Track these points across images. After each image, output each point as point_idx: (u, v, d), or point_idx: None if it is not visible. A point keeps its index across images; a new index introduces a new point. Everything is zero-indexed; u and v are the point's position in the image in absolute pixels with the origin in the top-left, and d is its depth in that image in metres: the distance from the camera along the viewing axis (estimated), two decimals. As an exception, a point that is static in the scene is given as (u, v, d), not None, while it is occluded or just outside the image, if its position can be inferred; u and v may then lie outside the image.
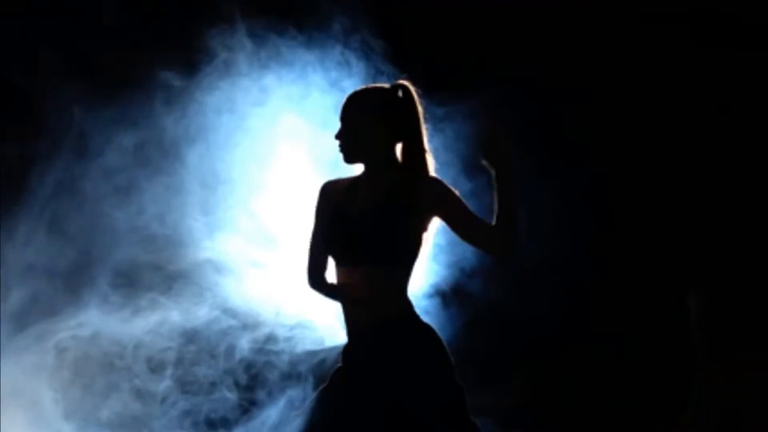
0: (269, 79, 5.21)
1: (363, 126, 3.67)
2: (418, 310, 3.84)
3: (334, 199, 3.73)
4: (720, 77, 5.50)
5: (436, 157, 3.76)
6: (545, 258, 5.56)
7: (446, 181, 3.68)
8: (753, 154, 5.44)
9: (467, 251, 5.60)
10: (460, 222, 3.62)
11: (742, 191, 5.41)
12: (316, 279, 3.79)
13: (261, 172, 5.17)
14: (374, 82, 5.32)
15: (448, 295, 5.54)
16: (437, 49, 5.70)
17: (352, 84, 5.29)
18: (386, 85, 3.76)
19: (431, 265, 5.37)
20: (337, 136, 3.72)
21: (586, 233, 5.60)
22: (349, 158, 3.71)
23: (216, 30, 5.17)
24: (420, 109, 3.71)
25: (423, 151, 3.67)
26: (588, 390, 5.54)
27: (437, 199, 3.64)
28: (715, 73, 5.50)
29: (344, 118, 3.72)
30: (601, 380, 5.54)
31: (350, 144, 3.69)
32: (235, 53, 5.18)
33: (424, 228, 3.64)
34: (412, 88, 3.72)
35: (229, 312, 5.04)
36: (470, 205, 3.73)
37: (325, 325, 4.85)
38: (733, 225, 5.36)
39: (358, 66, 5.38)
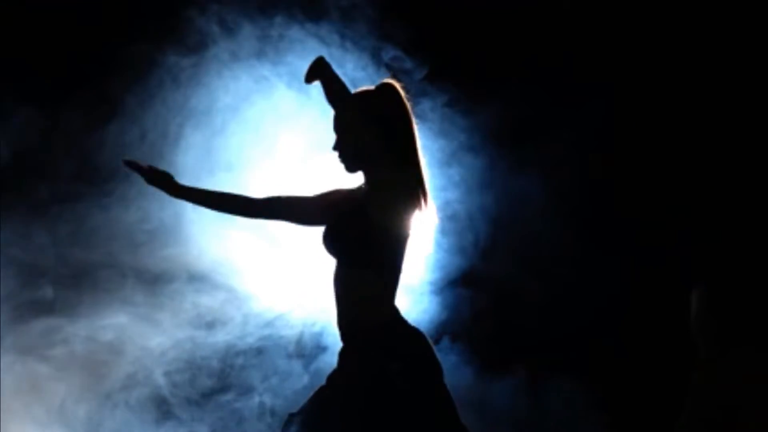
0: (269, 64, 5.18)
1: (353, 133, 3.65)
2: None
3: (337, 200, 3.72)
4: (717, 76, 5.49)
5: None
6: (548, 254, 5.57)
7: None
8: (755, 148, 5.42)
9: (472, 235, 5.59)
10: None
11: (744, 187, 5.38)
12: (253, 202, 3.72)
13: (261, 158, 5.15)
14: (377, 63, 5.30)
15: (453, 281, 5.53)
16: (440, 29, 5.67)
17: (355, 67, 5.26)
18: (371, 87, 3.73)
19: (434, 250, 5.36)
20: (335, 148, 3.69)
21: (590, 228, 5.59)
22: (349, 167, 3.70)
23: (214, 14, 5.14)
24: (408, 105, 3.69)
25: (415, 153, 3.65)
26: (587, 384, 5.53)
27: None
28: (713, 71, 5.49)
29: (336, 128, 3.70)
30: (600, 375, 5.53)
31: (348, 152, 3.68)
32: (235, 37, 5.15)
33: (407, 233, 3.63)
34: (398, 86, 3.70)
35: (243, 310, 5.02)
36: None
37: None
38: (735, 221, 5.33)
39: (361, 47, 5.34)
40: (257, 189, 5.06)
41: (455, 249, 5.57)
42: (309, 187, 4.81)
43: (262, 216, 3.78)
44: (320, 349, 5.07)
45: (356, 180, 3.77)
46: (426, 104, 5.46)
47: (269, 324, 5.03)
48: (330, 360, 3.70)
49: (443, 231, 5.53)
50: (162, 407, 4.98)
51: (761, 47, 5.45)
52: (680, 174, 5.53)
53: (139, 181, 3.82)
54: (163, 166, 5.00)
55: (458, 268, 5.59)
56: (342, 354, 3.65)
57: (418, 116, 5.29)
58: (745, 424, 3.68)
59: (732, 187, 5.43)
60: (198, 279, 4.98)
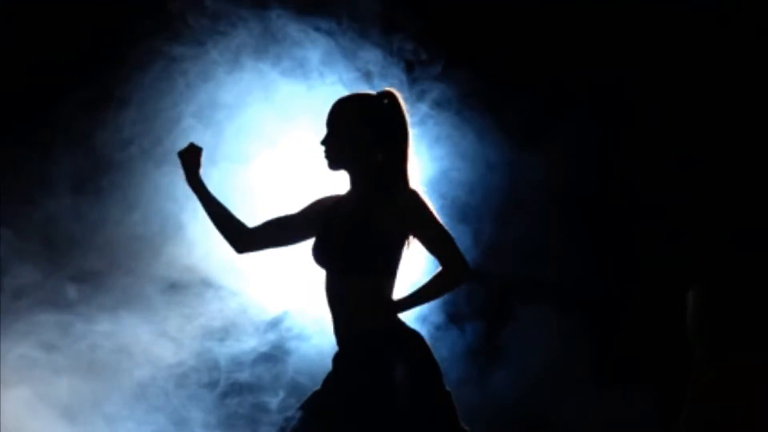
0: (272, 57, 5.17)
1: (346, 131, 3.66)
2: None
3: (323, 209, 3.75)
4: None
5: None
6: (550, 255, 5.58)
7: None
8: (754, 148, 5.41)
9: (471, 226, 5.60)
10: (427, 238, 3.61)
11: (743, 188, 5.37)
12: (244, 234, 3.79)
13: (263, 150, 5.14)
14: (384, 55, 5.30)
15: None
16: (443, 18, 5.65)
17: (363, 60, 5.24)
18: (372, 92, 3.75)
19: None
20: (322, 142, 3.70)
21: (591, 224, 5.59)
22: (333, 164, 3.71)
23: (217, 8, 5.11)
24: (406, 117, 3.70)
25: (404, 161, 3.65)
26: (586, 385, 5.54)
27: (407, 214, 3.60)
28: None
29: (329, 123, 3.72)
30: (599, 376, 5.54)
31: (334, 149, 3.69)
32: (237, 31, 5.13)
33: (400, 238, 3.62)
34: (398, 96, 3.72)
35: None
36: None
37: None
38: (733, 222, 5.32)
39: (366, 39, 5.32)
40: (260, 180, 5.12)
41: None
42: (310, 180, 4.85)
43: (255, 247, 3.84)
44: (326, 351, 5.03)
45: (341, 180, 3.77)
46: (431, 94, 5.45)
47: (274, 328, 5.02)
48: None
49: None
50: (170, 411, 4.99)
51: (760, 49, 5.44)
52: (681, 173, 5.52)
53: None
54: (166, 158, 5.09)
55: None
56: (337, 358, 3.67)
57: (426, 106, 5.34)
58: (745, 425, 3.69)
59: (732, 187, 5.42)
60: (203, 282, 4.96)
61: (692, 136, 5.53)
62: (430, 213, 3.62)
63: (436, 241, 3.61)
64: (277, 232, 3.81)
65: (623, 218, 5.61)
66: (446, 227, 3.65)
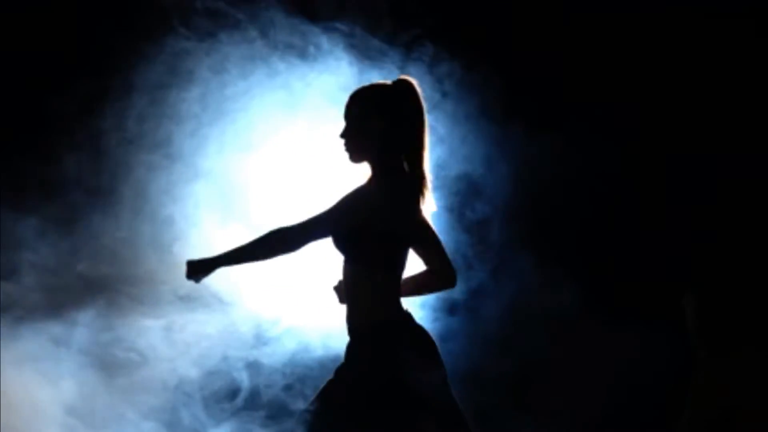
0: (278, 51, 5.19)
1: (358, 122, 3.66)
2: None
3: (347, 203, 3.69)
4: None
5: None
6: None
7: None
8: (752, 151, 5.43)
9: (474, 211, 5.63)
10: (425, 237, 3.67)
11: (741, 189, 5.39)
12: (288, 238, 3.58)
13: (268, 143, 5.17)
14: (394, 49, 5.33)
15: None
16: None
17: (371, 56, 5.27)
18: (387, 82, 3.73)
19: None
20: (342, 135, 3.71)
21: (588, 230, 5.63)
22: (354, 157, 3.70)
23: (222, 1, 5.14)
24: (423, 104, 3.68)
25: (416, 151, 3.63)
26: (588, 386, 5.57)
27: (411, 210, 3.63)
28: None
29: (347, 115, 3.71)
30: (601, 376, 5.56)
31: (353, 142, 3.68)
32: (243, 24, 5.15)
33: (403, 232, 3.62)
34: (414, 83, 3.69)
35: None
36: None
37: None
38: (732, 223, 5.34)
39: (375, 36, 5.34)
40: (264, 172, 5.16)
41: (457, 227, 5.59)
42: (313, 173, 4.91)
43: (303, 243, 3.61)
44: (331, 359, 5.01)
45: (360, 170, 3.75)
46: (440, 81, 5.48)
47: (282, 334, 5.03)
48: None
49: (450, 208, 5.54)
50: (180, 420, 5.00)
51: (760, 51, 5.47)
52: (682, 172, 5.54)
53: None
54: (171, 152, 5.14)
55: (458, 247, 5.62)
56: (348, 348, 3.68)
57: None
58: (745, 424, 3.71)
59: (732, 187, 5.44)
60: (210, 291, 4.95)
61: (694, 135, 5.55)
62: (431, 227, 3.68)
63: (435, 243, 3.70)
64: (319, 230, 3.65)
65: (627, 211, 5.63)
66: None
